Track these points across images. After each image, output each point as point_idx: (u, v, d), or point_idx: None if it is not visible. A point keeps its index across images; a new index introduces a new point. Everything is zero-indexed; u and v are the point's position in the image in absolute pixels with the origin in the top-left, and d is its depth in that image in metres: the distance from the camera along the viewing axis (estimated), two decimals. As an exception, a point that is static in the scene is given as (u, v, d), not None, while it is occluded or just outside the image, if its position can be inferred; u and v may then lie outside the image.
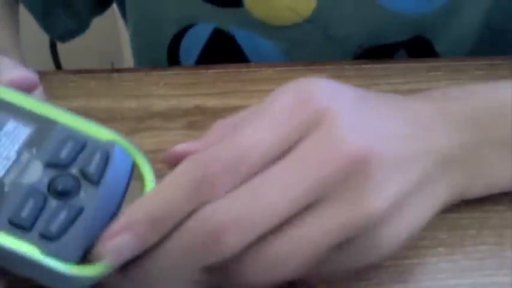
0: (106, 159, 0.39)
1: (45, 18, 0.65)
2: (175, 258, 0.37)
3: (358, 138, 0.38)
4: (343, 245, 0.38)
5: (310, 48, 0.61)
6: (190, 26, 0.63)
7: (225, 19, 0.61)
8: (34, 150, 0.39)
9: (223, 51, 0.63)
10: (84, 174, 0.38)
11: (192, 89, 0.54)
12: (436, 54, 0.62)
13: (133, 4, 0.66)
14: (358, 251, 0.38)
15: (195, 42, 0.63)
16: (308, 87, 0.40)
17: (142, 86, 0.54)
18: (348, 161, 0.37)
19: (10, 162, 0.38)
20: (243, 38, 0.62)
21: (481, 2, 0.59)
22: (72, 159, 0.39)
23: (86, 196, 0.38)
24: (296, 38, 0.60)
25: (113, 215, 0.38)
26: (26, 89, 0.42)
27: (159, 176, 0.47)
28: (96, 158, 0.39)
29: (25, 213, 0.37)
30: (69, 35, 0.68)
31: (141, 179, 0.40)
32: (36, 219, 0.37)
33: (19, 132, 0.39)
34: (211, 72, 0.55)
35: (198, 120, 0.52)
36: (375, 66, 0.56)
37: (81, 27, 0.68)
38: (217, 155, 0.37)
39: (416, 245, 0.43)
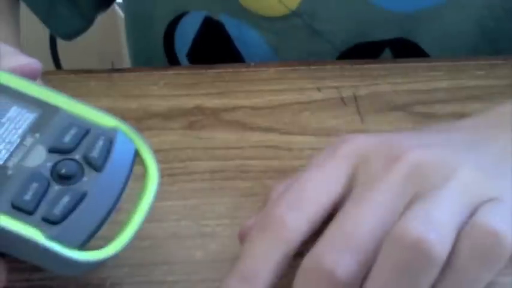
0: (109, 146, 0.39)
1: (49, 18, 0.65)
2: None
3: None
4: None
5: (296, 41, 0.60)
6: (183, 15, 0.63)
7: (215, 7, 0.61)
8: (37, 135, 0.39)
9: (214, 40, 0.63)
10: (87, 159, 0.38)
11: (192, 89, 0.54)
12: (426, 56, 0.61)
13: None
14: None
15: (188, 31, 0.64)
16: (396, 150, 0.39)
17: (142, 86, 0.54)
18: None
19: (13, 147, 0.38)
20: (232, 27, 0.62)
21: (467, 10, 0.58)
22: (76, 145, 0.39)
23: (89, 181, 0.38)
24: (283, 31, 0.60)
25: (116, 200, 0.38)
26: (29, 76, 0.41)
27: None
28: (99, 144, 0.39)
29: (28, 196, 0.37)
30: (74, 32, 0.68)
31: (143, 166, 0.40)
32: (39, 202, 0.37)
33: (23, 117, 0.39)
34: (211, 72, 0.55)
35: (198, 120, 0.52)
36: (375, 66, 0.55)
37: (86, 24, 0.68)
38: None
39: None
